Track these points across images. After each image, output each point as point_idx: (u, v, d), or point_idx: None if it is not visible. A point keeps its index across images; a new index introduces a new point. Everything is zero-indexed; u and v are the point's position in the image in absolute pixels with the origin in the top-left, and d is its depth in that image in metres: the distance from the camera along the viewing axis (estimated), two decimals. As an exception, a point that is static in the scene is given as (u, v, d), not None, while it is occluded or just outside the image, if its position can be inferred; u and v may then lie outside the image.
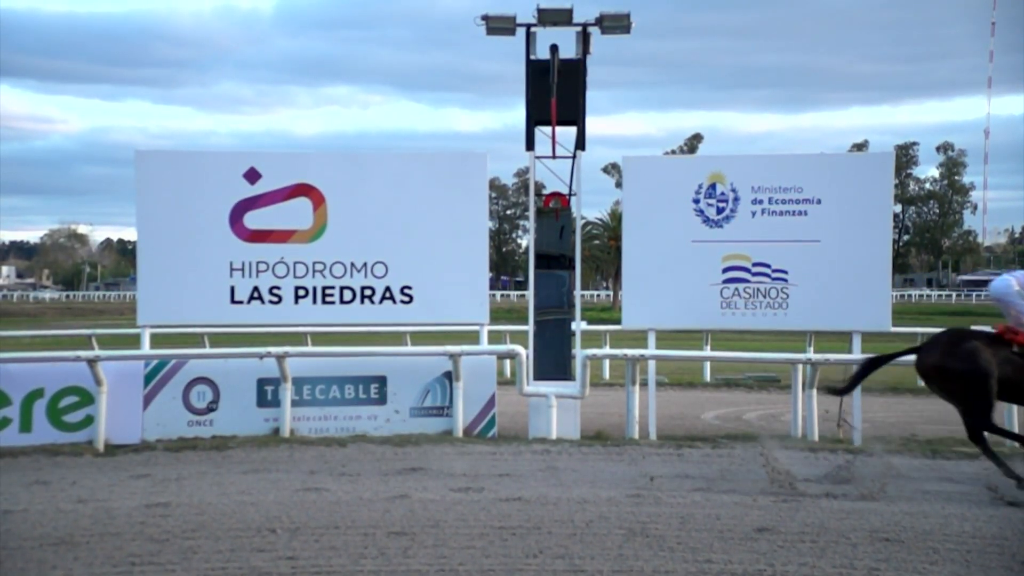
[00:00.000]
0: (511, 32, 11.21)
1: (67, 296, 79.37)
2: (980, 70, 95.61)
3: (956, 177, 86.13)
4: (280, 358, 10.52)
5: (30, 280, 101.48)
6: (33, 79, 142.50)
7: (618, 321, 12.19)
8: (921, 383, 16.14)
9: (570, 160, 11.66)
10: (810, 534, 6.63)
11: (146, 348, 11.14)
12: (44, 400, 10.31)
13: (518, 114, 11.84)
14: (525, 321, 11.81)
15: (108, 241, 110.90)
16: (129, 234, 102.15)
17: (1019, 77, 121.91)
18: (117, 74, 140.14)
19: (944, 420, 12.78)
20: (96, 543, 6.39)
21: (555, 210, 11.82)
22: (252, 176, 11.14)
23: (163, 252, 11.11)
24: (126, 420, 10.37)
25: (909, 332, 18.39)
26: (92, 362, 10.23)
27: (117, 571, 5.90)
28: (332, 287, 11.19)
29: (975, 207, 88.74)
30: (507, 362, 16.12)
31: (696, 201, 11.09)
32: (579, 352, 11.26)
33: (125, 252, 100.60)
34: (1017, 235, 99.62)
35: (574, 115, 11.23)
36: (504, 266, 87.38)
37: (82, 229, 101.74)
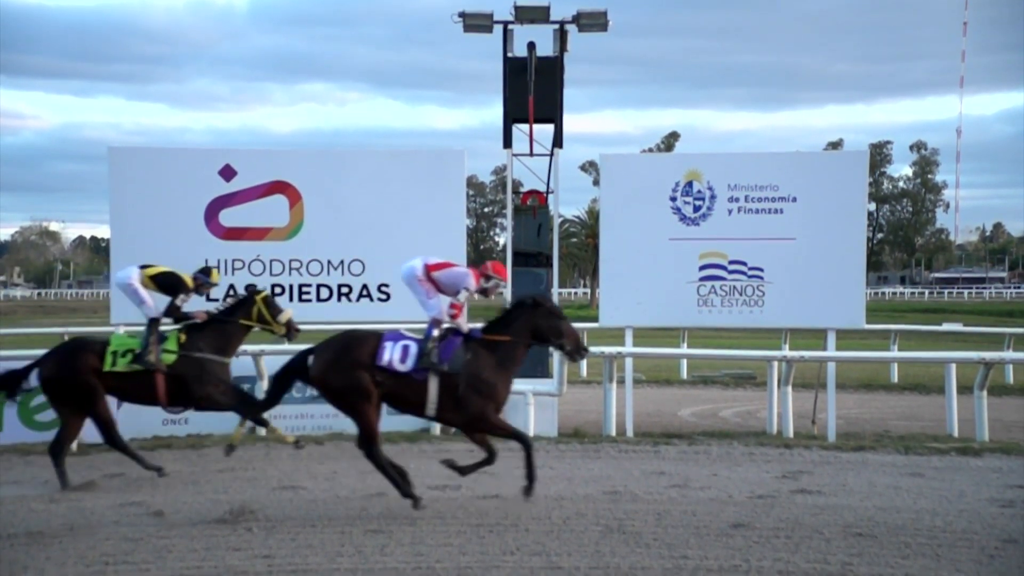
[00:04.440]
0: (488, 29, 11.20)
1: (39, 294, 78.35)
2: (952, 70, 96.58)
3: (929, 176, 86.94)
4: (256, 356, 10.44)
5: (0, 278, 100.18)
6: (2, 74, 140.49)
7: (596, 319, 12.23)
8: (895, 379, 16.40)
9: (548, 158, 11.68)
10: (784, 530, 6.68)
11: (120, 346, 10.99)
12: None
13: (496, 112, 11.89)
14: (502, 319, 11.78)
15: (81, 239, 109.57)
16: (102, 231, 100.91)
17: (990, 77, 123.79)
18: (89, 70, 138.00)
19: (917, 416, 12.95)
20: (68, 542, 6.33)
21: (533, 208, 11.83)
22: (227, 173, 11.04)
23: (137, 250, 10.94)
24: (99, 419, 10.22)
25: (883, 329, 18.61)
26: (65, 360, 10.06)
27: (90, 570, 5.85)
28: (309, 285, 11.12)
29: (947, 205, 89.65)
30: (485, 360, 16.07)
31: (673, 199, 11.13)
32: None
33: (98, 250, 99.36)
34: (988, 233, 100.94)
35: (551, 113, 11.25)
36: (481, 264, 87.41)
37: (54, 226, 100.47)
